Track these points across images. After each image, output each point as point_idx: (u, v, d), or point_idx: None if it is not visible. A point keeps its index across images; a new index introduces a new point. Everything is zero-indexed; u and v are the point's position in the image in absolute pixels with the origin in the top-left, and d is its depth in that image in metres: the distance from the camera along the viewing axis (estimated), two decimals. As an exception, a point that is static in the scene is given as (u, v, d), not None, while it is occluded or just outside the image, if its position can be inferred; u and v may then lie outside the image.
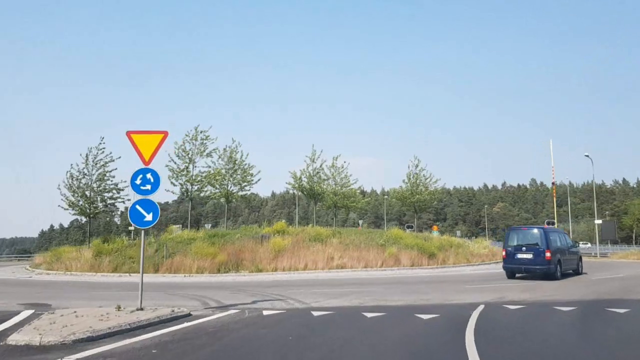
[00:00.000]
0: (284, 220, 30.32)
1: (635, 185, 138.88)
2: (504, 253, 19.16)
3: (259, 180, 33.50)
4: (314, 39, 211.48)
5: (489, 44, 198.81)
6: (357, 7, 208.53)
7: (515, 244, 18.94)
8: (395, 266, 22.97)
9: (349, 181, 36.19)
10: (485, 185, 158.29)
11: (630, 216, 51.18)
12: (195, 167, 31.12)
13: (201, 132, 31.35)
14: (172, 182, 30.36)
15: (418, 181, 36.84)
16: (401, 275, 20.48)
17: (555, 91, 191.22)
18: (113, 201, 29.84)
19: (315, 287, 15.65)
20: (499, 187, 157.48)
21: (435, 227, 52.99)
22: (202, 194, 31.92)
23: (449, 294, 13.38)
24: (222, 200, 33.43)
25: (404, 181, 37.48)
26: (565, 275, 19.28)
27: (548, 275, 18.34)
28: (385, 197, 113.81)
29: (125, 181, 28.51)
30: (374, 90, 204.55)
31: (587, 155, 44.48)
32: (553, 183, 54.19)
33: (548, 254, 18.22)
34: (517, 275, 19.04)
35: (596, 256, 45.06)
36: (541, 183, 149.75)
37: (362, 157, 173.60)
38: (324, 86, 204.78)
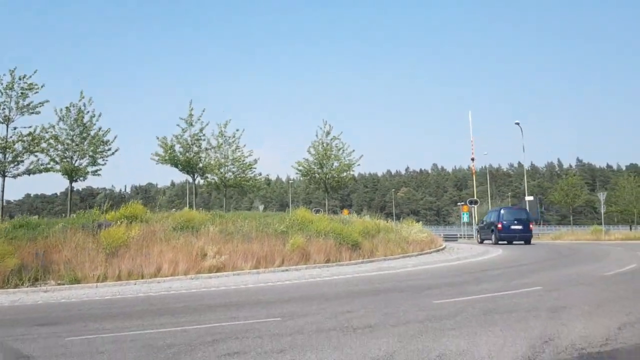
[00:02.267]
0: (140, 201, 21.16)
1: (529, 168, 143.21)
2: (499, 225, 26.50)
3: (116, 151, 24.22)
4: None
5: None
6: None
7: (508, 219, 26.02)
8: (303, 263, 15.11)
9: (242, 154, 28.21)
10: (389, 171, 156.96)
11: (559, 192, 47.75)
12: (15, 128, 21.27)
13: (21, 78, 21.40)
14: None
15: (328, 153, 29.24)
16: (313, 281, 12.56)
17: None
18: None
19: (133, 325, 7.24)
20: (403, 172, 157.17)
21: (345, 212, 45.74)
22: (19, 166, 21.60)
23: (428, 337, 5.67)
24: (65, 177, 23.64)
25: (309, 151, 29.70)
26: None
27: (528, 240, 26.64)
28: (291, 180, 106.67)
29: None
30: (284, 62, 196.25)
31: (518, 123, 39.48)
32: (472, 159, 49.37)
33: (531, 226, 27.26)
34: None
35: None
36: (442, 167, 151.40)
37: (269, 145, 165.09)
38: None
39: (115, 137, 24.49)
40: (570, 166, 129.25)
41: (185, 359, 5.14)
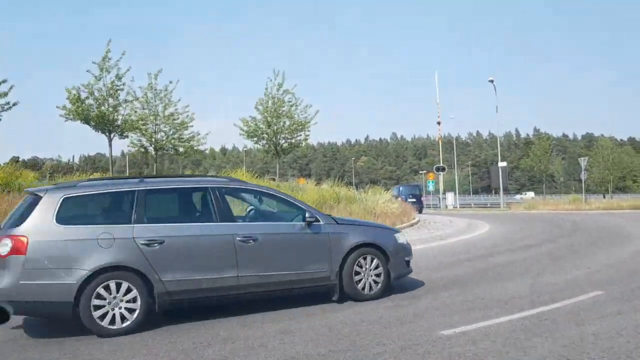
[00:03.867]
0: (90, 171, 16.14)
1: (488, 138, 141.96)
2: (400, 199, 28.24)
3: (15, 104, 18.85)
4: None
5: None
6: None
7: (405, 193, 34.82)
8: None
9: (177, 111, 23.42)
10: (349, 140, 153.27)
11: (532, 158, 44.90)
12: None
13: None
14: None
15: (279, 109, 24.62)
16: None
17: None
18: None
19: None
20: (362, 141, 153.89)
21: (301, 180, 41.19)
22: None
23: None
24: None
25: (257, 108, 24.99)
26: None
27: (420, 210, 31.06)
28: (246, 148, 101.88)
29: None
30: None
31: (492, 81, 35.77)
32: (438, 122, 45.62)
33: (422, 199, 38.06)
34: None
35: (499, 207, 37.57)
36: (401, 136, 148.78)
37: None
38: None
39: (11, 88, 19.01)
40: (528, 135, 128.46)
41: None
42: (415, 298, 6.28)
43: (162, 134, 23.71)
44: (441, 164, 43.91)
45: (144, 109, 23.15)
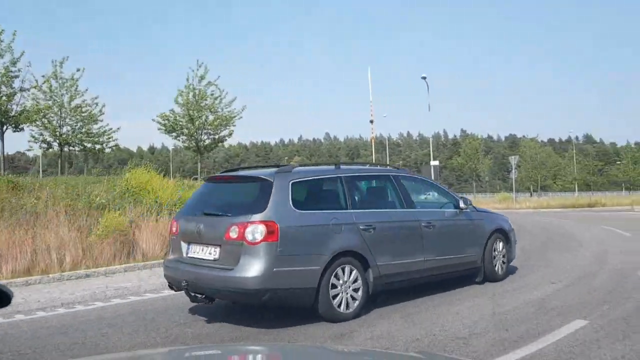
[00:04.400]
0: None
1: (418, 138, 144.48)
2: None
3: None
4: None
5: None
6: None
7: None
8: (121, 262, 8.66)
9: (85, 102, 21.14)
10: (282, 140, 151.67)
11: (462, 156, 45.20)
12: None
13: None
14: None
15: (201, 102, 22.53)
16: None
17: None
18: None
19: None
20: (296, 141, 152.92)
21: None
22: None
23: None
24: None
25: (176, 101, 22.83)
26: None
27: None
28: (173, 147, 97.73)
29: None
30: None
31: (424, 77, 35.72)
32: (371, 121, 44.58)
33: None
34: None
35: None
36: (334, 137, 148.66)
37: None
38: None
39: None
40: (455, 136, 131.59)
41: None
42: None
43: (68, 127, 21.35)
44: (373, 162, 43.10)
45: (47, 99, 20.69)
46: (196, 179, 25.39)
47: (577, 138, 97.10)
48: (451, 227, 6.49)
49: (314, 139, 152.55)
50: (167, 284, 5.65)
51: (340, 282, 5.16)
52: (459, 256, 6.40)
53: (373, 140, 49.30)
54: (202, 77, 22.55)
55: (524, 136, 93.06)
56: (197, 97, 22.42)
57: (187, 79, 22.52)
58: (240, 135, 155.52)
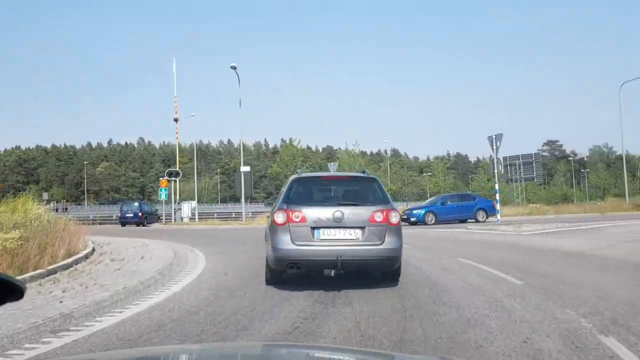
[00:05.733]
0: None
1: (239, 146, 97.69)
2: (119, 215, 35.73)
3: None
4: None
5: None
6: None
7: (127, 210, 35.08)
8: None
9: None
10: (90, 144, 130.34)
11: (279, 164, 48.09)
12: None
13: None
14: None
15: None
16: None
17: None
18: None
19: None
20: (105, 145, 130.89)
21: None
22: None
23: None
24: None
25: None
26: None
27: (142, 224, 33.83)
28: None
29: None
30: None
31: (234, 67, 34.08)
32: (175, 119, 39.83)
33: (140, 214, 35.18)
34: None
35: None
36: (149, 142, 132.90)
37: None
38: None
39: None
40: (276, 145, 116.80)
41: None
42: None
43: None
44: (176, 169, 38.77)
45: None
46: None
47: (386, 152, 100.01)
48: None
49: (126, 143, 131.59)
50: (289, 264, 6.63)
51: None
52: None
53: (178, 141, 45.98)
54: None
55: (339, 148, 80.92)
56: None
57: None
58: (39, 138, 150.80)
